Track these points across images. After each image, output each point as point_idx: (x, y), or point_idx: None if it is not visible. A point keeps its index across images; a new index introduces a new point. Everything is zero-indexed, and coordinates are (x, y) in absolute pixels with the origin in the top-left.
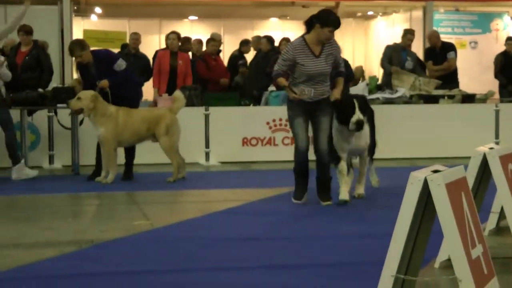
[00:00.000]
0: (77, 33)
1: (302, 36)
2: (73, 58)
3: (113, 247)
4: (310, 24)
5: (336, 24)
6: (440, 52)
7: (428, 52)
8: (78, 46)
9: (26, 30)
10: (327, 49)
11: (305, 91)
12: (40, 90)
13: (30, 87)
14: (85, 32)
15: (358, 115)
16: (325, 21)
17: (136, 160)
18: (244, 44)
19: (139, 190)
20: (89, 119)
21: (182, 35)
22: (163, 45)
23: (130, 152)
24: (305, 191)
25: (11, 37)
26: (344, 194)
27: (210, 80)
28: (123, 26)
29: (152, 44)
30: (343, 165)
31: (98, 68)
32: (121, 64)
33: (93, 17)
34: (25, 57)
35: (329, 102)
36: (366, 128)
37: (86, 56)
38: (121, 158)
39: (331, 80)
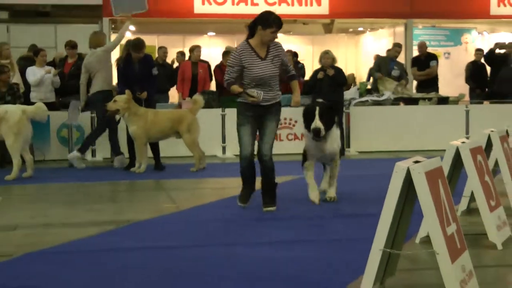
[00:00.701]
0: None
1: (246, 40)
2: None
3: (145, 226)
4: (253, 28)
5: (278, 24)
6: (424, 60)
7: (414, 60)
8: (144, 43)
9: (72, 45)
10: (273, 51)
11: (254, 93)
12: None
13: (75, 92)
14: (121, 46)
15: (315, 123)
16: (266, 22)
17: (164, 154)
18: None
19: (167, 179)
20: (123, 119)
21: (203, 49)
22: (186, 58)
23: (154, 148)
24: (250, 196)
25: (60, 51)
26: (313, 196)
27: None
28: (152, 41)
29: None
30: (308, 162)
31: (143, 68)
32: (155, 70)
33: (128, 33)
34: (71, 68)
35: (279, 108)
36: (336, 132)
37: (143, 53)
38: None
39: (282, 82)
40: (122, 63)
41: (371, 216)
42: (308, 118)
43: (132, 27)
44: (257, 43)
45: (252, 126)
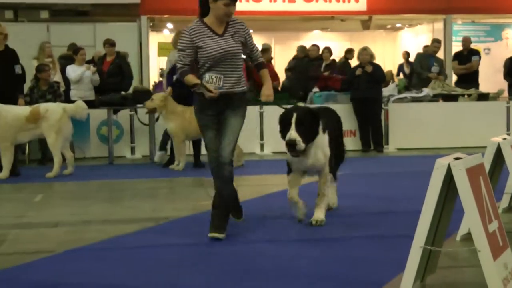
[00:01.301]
0: (153, 45)
1: (199, 18)
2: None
3: (183, 223)
4: (205, 4)
5: None
6: (467, 55)
7: (456, 54)
8: None
9: (110, 43)
10: (232, 27)
11: (212, 78)
12: (123, 92)
13: (114, 90)
14: (159, 44)
15: (290, 134)
16: None
17: (203, 151)
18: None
19: (205, 176)
20: (161, 116)
21: None
22: None
23: (196, 145)
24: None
25: (99, 49)
26: (300, 213)
27: None
28: None
29: None
30: (292, 175)
31: None
32: None
33: (166, 31)
34: (110, 66)
35: (244, 100)
36: (323, 139)
37: None
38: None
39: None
40: (172, 69)
41: (410, 213)
42: (283, 126)
43: (170, 25)
44: (212, 20)
45: (215, 125)
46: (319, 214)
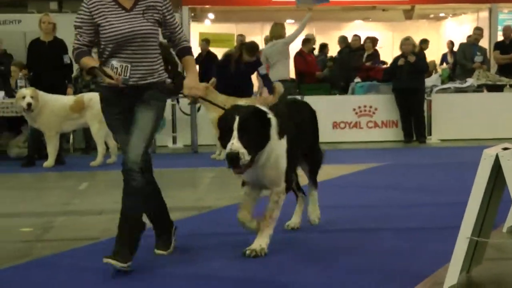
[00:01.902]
0: (194, 35)
1: None
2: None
3: (226, 212)
4: None
5: None
6: (509, 44)
7: (497, 44)
8: (258, 48)
9: None
10: (144, 1)
11: (116, 68)
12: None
13: None
14: (201, 34)
15: (232, 145)
16: None
17: None
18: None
19: None
20: (203, 106)
21: None
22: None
23: None
24: (135, 244)
25: None
26: (260, 242)
27: (306, 73)
28: (231, 29)
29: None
30: (245, 190)
31: (248, 70)
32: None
33: (207, 22)
34: None
35: (159, 94)
36: (277, 147)
37: (255, 57)
38: None
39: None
40: (225, 62)
41: (455, 204)
42: (223, 134)
43: (211, 16)
44: None
45: (125, 126)
46: (259, 242)
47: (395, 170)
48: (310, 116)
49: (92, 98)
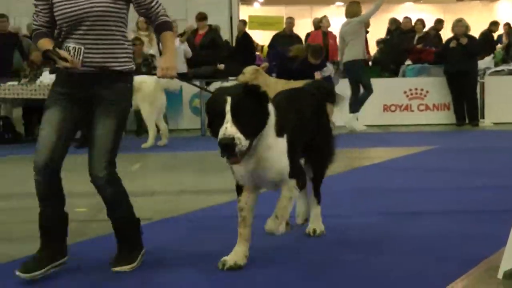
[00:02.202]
0: (243, 18)
1: None
2: None
3: (274, 195)
4: None
5: None
6: None
7: None
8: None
9: (202, 17)
10: None
11: (69, 50)
12: (217, 66)
13: (206, 63)
14: (250, 17)
15: (226, 129)
16: None
17: None
18: None
19: None
20: None
21: (330, 19)
22: (312, 28)
23: None
24: (50, 260)
25: (191, 23)
26: (236, 256)
27: None
28: (280, 12)
29: (304, 26)
30: (242, 200)
31: (307, 69)
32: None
33: (256, 5)
34: (202, 39)
35: (123, 88)
36: (278, 143)
37: (320, 61)
38: None
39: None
40: (289, 58)
41: (509, 187)
42: (212, 118)
43: None
44: None
45: (63, 112)
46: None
47: (446, 153)
48: (316, 104)
49: (143, 81)
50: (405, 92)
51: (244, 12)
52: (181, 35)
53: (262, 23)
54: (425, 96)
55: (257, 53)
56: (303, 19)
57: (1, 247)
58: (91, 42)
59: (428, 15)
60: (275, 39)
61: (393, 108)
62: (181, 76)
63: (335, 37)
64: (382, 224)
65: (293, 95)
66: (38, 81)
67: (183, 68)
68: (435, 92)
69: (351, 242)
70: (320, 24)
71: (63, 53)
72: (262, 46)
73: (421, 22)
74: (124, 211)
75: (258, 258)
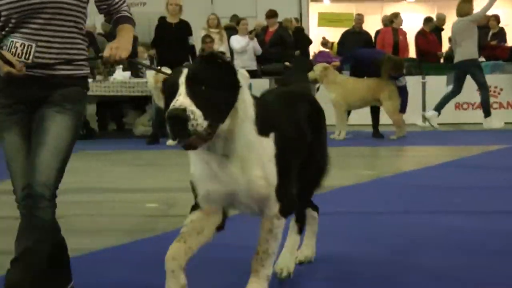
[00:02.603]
0: (313, 16)
1: None
2: None
3: (345, 192)
4: None
5: None
6: None
7: None
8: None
9: (272, 14)
10: None
11: (16, 46)
12: (286, 63)
13: (276, 60)
14: (320, 14)
15: (175, 102)
16: None
17: (360, 122)
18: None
19: (366, 146)
20: (324, 86)
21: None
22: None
23: (375, 114)
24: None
25: (260, 20)
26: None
27: (428, 53)
28: (349, 9)
29: (374, 23)
30: (196, 214)
31: None
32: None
33: (326, 1)
34: (272, 36)
35: (79, 92)
36: (262, 143)
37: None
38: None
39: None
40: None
41: None
42: (168, 99)
43: None
44: None
45: (21, 129)
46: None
47: None
48: (317, 111)
49: None
50: (478, 90)
51: (314, 9)
52: (250, 32)
53: (331, 20)
54: (498, 94)
55: (327, 50)
56: (373, 16)
57: (75, 240)
58: (45, 40)
59: (502, 11)
60: (344, 36)
61: (465, 106)
62: (251, 73)
63: (405, 33)
64: (449, 222)
65: (285, 94)
66: (111, 78)
67: (253, 65)
68: (510, 89)
69: (416, 238)
70: (393, 21)
71: (7, 54)
72: (332, 43)
73: (495, 18)
74: (46, 243)
75: None
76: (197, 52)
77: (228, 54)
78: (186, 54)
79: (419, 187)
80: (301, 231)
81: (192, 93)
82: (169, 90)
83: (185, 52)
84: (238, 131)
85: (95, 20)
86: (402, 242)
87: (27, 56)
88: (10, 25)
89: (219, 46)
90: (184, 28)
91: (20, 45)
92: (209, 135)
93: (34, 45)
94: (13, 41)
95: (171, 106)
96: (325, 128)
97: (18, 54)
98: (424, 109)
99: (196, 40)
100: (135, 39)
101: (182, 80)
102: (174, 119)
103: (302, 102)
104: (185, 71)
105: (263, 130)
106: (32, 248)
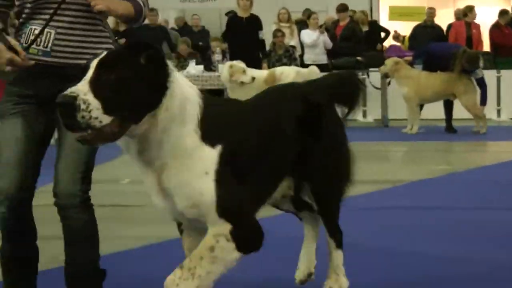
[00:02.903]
0: (384, 9)
1: None
2: None
3: (419, 186)
4: None
5: None
6: None
7: None
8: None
9: (342, 8)
10: None
11: (34, 32)
12: (357, 58)
13: (348, 54)
14: (390, 8)
15: (76, 86)
16: None
17: (435, 116)
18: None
19: (442, 140)
20: (395, 80)
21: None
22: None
23: (448, 108)
24: None
25: (331, 14)
26: None
27: (503, 46)
28: (421, 2)
29: (446, 16)
30: (185, 240)
31: None
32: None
33: None
34: (343, 30)
35: None
36: (201, 152)
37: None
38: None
39: None
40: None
41: None
42: (79, 80)
43: None
44: None
45: (26, 120)
46: None
47: None
48: (307, 115)
49: (284, 71)
50: None
51: (385, 2)
52: (321, 26)
53: (402, 13)
54: None
55: (398, 44)
56: (445, 9)
57: (129, 230)
58: (65, 26)
59: None
60: (416, 30)
61: None
62: (322, 67)
63: (478, 26)
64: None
65: (271, 96)
66: (184, 72)
67: (323, 59)
68: None
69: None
70: (467, 14)
71: (12, 41)
72: (404, 37)
73: None
74: (91, 254)
75: None
76: (267, 47)
77: (298, 48)
78: (257, 49)
79: (496, 183)
80: (340, 244)
81: (97, 81)
82: (82, 73)
83: (256, 46)
84: (167, 135)
85: (168, 15)
86: (466, 238)
87: (45, 43)
88: (26, 10)
89: (290, 40)
90: (255, 22)
91: (39, 32)
92: (114, 135)
93: (53, 31)
94: (31, 28)
95: (66, 91)
96: (335, 131)
97: (37, 41)
98: (498, 103)
99: (266, 34)
100: (207, 33)
101: (93, 64)
102: (61, 105)
103: (292, 102)
104: (100, 57)
105: (208, 137)
106: (69, 260)
